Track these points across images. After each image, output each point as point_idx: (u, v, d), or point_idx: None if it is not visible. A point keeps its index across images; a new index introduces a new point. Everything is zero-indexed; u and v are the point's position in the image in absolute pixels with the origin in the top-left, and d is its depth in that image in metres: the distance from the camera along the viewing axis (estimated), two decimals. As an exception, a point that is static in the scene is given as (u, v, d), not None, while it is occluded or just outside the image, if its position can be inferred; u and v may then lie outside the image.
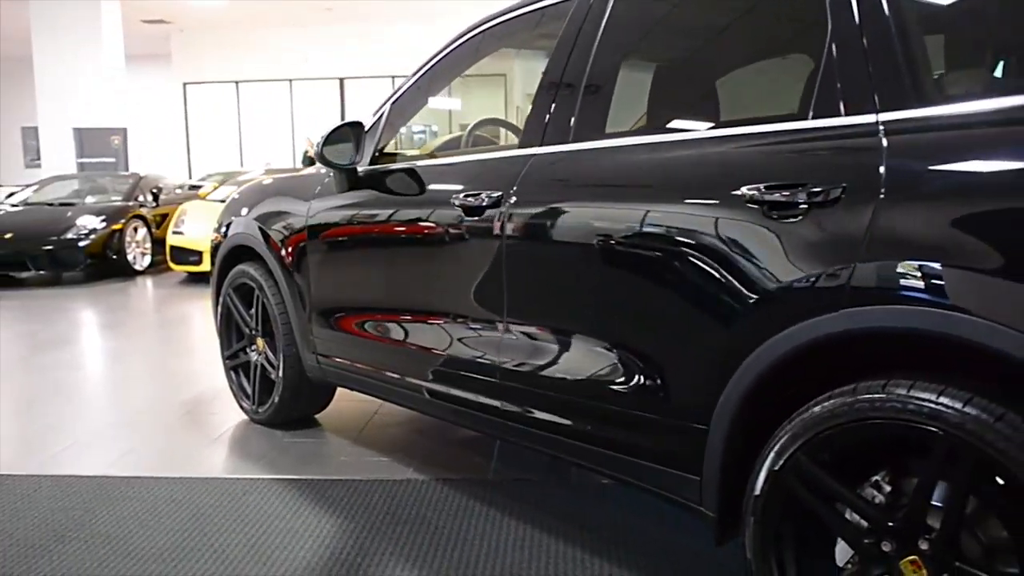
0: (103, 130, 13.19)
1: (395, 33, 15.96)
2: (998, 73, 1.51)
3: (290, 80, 18.34)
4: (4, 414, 3.87)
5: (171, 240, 8.25)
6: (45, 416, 3.82)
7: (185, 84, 18.74)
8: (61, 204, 9.26)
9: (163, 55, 18.30)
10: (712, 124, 1.89)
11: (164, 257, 8.60)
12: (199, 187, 10.39)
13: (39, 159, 13.60)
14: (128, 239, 8.93)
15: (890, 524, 1.45)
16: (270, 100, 18.22)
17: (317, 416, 3.60)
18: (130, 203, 9.28)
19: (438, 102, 2.71)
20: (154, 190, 9.61)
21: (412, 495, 2.71)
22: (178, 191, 10.42)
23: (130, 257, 8.94)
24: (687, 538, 2.35)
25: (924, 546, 1.42)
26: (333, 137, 2.67)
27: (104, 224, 8.74)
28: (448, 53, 2.65)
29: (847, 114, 1.56)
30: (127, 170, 12.48)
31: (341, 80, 17.98)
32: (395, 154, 2.84)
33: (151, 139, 17.04)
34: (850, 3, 1.59)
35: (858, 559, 1.52)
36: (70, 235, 8.41)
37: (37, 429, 3.61)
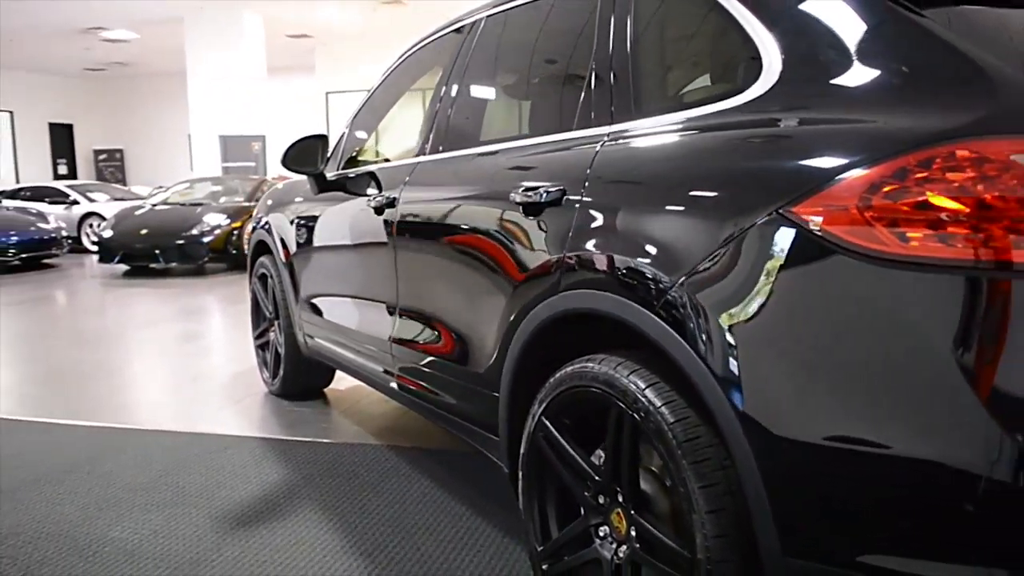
0: (244, 137, 14.53)
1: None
2: (687, 91, 1.73)
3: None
4: (81, 376, 4.64)
5: (278, 237, 9.10)
6: (112, 379, 4.55)
7: (327, 93, 20.13)
8: (192, 204, 10.40)
9: (309, 66, 19.79)
10: (518, 136, 2.18)
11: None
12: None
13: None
14: (246, 236, 9.90)
15: (597, 479, 1.70)
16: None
17: (327, 390, 4.08)
18: (251, 203, 10.27)
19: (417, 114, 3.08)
20: (273, 192, 10.58)
21: (357, 456, 3.12)
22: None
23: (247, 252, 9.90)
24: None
25: (621, 499, 1.66)
26: (298, 147, 3.12)
27: (227, 222, 9.76)
28: (392, 72, 3.05)
29: (594, 126, 1.82)
30: (266, 174, 13.71)
31: (470, 89, 18.69)
32: (361, 160, 3.26)
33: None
34: (608, 40, 1.86)
35: (583, 511, 1.77)
36: (195, 231, 9.46)
37: (101, 389, 4.33)
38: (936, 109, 1.24)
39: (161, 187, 16.54)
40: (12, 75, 18.58)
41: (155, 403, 4.15)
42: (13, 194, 13.72)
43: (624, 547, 1.65)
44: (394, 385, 2.71)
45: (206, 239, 9.49)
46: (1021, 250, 1.10)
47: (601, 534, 1.73)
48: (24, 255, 10.34)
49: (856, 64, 1.37)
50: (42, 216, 11.29)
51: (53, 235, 10.82)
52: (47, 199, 13.16)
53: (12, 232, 10.36)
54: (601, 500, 1.72)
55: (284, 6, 13.68)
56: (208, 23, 14.01)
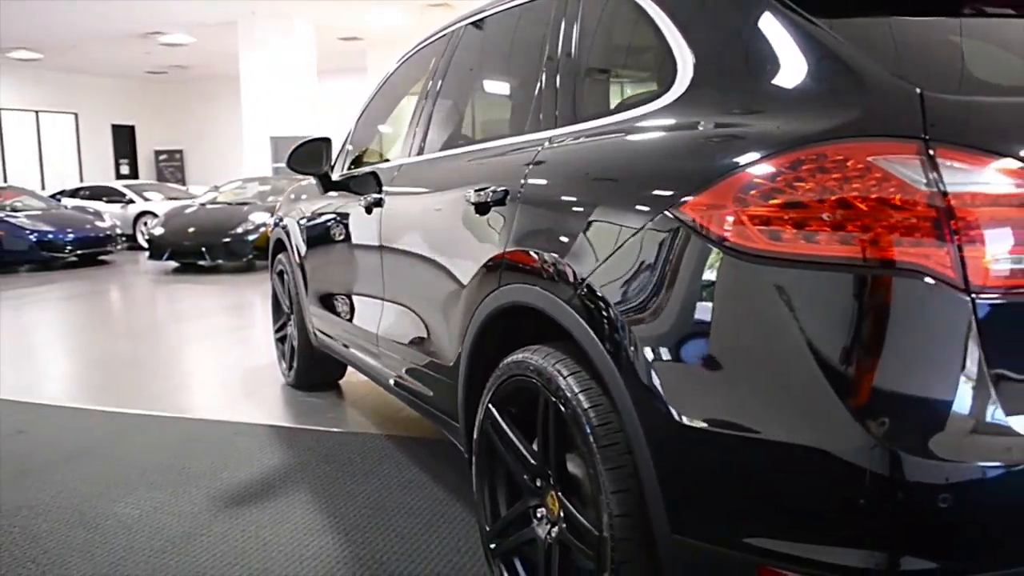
0: (295, 139, 14.88)
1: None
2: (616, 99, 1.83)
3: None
4: (119, 367, 4.91)
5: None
6: (147, 370, 4.80)
7: (377, 95, 20.47)
8: (239, 203, 10.75)
9: (361, 68, 20.17)
10: (483, 139, 2.29)
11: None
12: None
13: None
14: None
15: (533, 463, 1.80)
16: (451, 109, 19.44)
17: (341, 382, 4.25)
18: (295, 202, 10.57)
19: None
20: (316, 191, 10.88)
21: (354, 444, 3.28)
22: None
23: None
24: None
25: (552, 481, 1.76)
26: (302, 150, 3.27)
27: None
28: (393, 74, 3.20)
29: (542, 130, 1.92)
30: (312, 173, 14.05)
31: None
32: (365, 161, 3.41)
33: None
34: (556, 49, 1.97)
35: (524, 493, 1.87)
36: (240, 230, 9.79)
37: (135, 379, 4.58)
38: (817, 112, 1.32)
39: (215, 187, 17.09)
40: (77, 78, 19.38)
41: (181, 391, 4.38)
42: (73, 193, 14.37)
43: (555, 527, 1.76)
44: (391, 381, 2.83)
45: (251, 237, 9.81)
46: (878, 248, 1.17)
47: (539, 515, 1.83)
48: (80, 252, 10.86)
49: (754, 69, 1.46)
50: (98, 214, 11.82)
51: (108, 233, 11.32)
52: (104, 198, 13.77)
53: (69, 230, 10.89)
54: (538, 483, 1.82)
55: (334, 10, 13.99)
56: (260, 27, 14.42)
